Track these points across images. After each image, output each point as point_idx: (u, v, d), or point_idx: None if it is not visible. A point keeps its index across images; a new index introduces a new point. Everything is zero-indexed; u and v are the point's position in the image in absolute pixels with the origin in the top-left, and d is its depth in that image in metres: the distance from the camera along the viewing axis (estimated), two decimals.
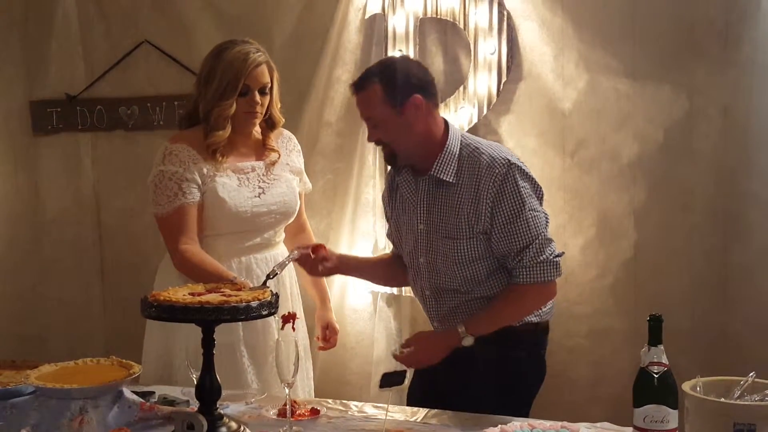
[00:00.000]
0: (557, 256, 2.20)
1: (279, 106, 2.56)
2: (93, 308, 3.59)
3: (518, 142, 3.00)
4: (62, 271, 3.59)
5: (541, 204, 2.25)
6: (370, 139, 2.30)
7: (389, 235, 2.54)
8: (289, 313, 2.09)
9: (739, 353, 2.74)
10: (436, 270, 2.25)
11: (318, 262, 2.34)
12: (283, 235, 2.63)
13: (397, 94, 2.15)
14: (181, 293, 1.90)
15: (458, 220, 2.20)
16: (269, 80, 2.46)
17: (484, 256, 2.21)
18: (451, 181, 2.19)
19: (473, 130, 2.97)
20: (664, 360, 1.73)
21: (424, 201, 2.26)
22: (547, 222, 2.25)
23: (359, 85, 2.22)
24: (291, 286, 2.62)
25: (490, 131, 3.00)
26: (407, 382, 1.96)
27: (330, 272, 2.44)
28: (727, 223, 2.79)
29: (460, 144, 2.24)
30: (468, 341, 2.15)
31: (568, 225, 2.97)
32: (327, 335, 2.75)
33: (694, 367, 2.63)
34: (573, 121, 2.93)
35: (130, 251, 3.50)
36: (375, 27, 3.08)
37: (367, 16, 3.09)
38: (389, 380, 1.90)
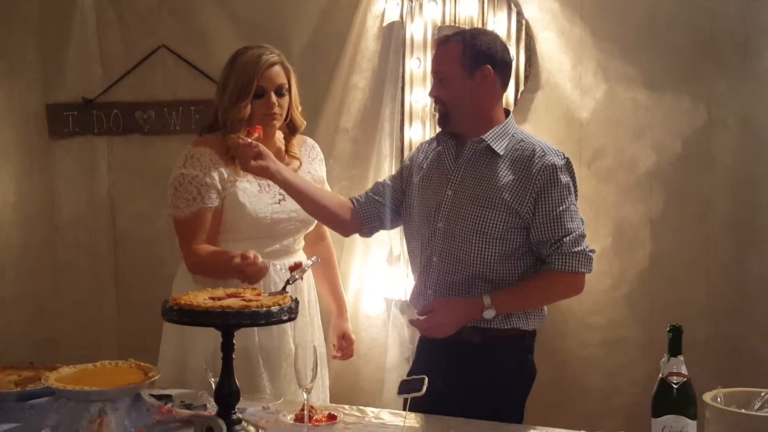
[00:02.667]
0: (591, 251, 2.24)
1: (300, 109, 2.55)
2: (107, 312, 3.59)
3: None
4: (76, 275, 3.60)
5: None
6: (431, 94, 2.34)
7: (375, 190, 2.47)
8: (295, 263, 2.14)
9: (756, 364, 2.73)
10: (452, 236, 2.25)
11: (250, 153, 2.23)
12: (302, 243, 2.61)
13: (472, 59, 2.22)
14: (201, 297, 1.91)
15: (494, 191, 2.22)
16: (285, 81, 2.45)
17: (502, 236, 2.22)
18: (500, 153, 2.23)
19: None
20: (684, 370, 1.72)
21: (461, 167, 2.27)
22: (583, 221, 2.29)
23: (444, 39, 2.31)
24: (309, 293, 2.61)
25: (539, 139, 2.99)
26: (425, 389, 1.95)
27: (262, 171, 2.27)
28: (744, 234, 2.78)
29: (516, 129, 2.31)
30: (489, 314, 2.18)
31: None
32: (343, 345, 2.74)
33: (710, 378, 2.62)
34: (590, 131, 2.93)
35: (145, 255, 3.51)
36: (393, 34, 3.09)
37: (385, 24, 3.10)
38: (407, 387, 1.89)
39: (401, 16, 3.08)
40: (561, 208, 2.20)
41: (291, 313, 1.88)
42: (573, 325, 2.98)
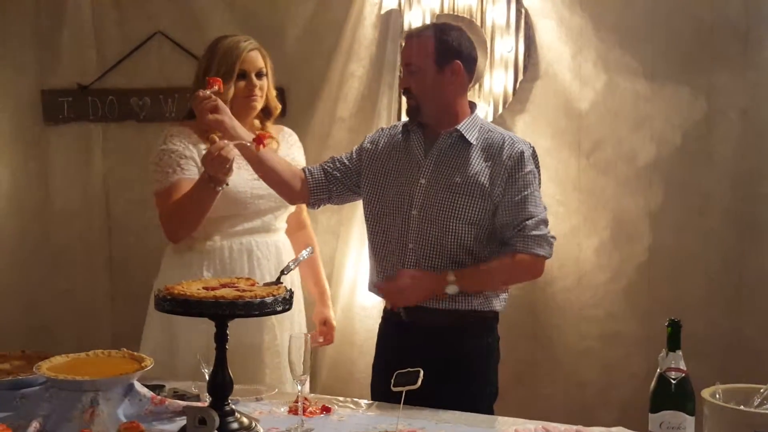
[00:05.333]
0: (552, 237, 2.31)
1: (275, 93, 2.60)
2: (100, 300, 3.57)
3: (533, 141, 2.90)
4: (70, 263, 3.58)
5: None
6: (401, 85, 2.41)
7: (329, 164, 2.47)
8: (259, 134, 2.17)
9: (755, 359, 2.72)
10: (428, 222, 2.29)
11: (207, 105, 2.25)
12: (284, 224, 2.64)
13: (443, 54, 2.28)
14: (195, 287, 1.89)
15: (468, 177, 2.28)
16: (263, 66, 2.52)
17: (476, 221, 2.28)
18: (472, 142, 2.30)
19: None
20: (682, 366, 1.71)
21: (433, 156, 2.32)
22: (545, 208, 2.35)
23: (415, 32, 2.38)
24: (292, 282, 2.61)
25: (506, 130, 2.97)
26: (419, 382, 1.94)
27: (217, 124, 2.27)
28: (743, 227, 2.77)
29: (482, 120, 2.40)
30: (452, 289, 2.24)
31: (582, 226, 2.95)
32: (324, 331, 2.78)
33: (708, 372, 2.60)
34: (590, 122, 2.91)
35: (139, 243, 3.48)
36: (391, 23, 3.06)
37: (383, 12, 3.08)
38: (402, 380, 1.87)
39: (399, 4, 3.06)
40: (525, 193, 2.26)
41: (285, 303, 1.86)
42: (571, 317, 2.97)
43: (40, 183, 3.60)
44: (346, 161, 2.47)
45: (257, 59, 2.49)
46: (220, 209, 2.42)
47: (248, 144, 2.24)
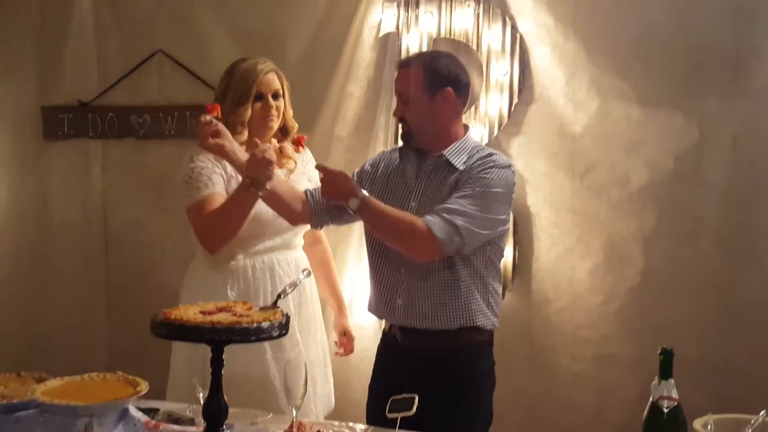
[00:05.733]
0: (465, 238, 2.21)
1: (291, 113, 2.65)
2: (97, 316, 3.58)
3: (528, 163, 3.00)
4: (68, 279, 3.59)
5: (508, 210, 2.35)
6: (395, 114, 2.43)
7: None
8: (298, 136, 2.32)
9: (746, 384, 2.74)
10: None
11: (208, 131, 2.29)
12: (302, 240, 2.69)
13: (434, 82, 2.31)
14: (191, 311, 1.90)
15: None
16: (280, 87, 2.57)
17: None
18: (459, 167, 2.31)
19: None
20: (674, 394, 1.72)
21: (423, 180, 2.35)
22: (496, 225, 2.29)
23: (406, 62, 2.40)
24: (311, 290, 2.69)
25: (501, 152, 2.99)
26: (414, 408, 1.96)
27: (218, 149, 2.32)
28: (735, 252, 2.79)
29: (475, 143, 2.41)
30: (354, 203, 2.23)
31: (576, 248, 2.97)
32: (344, 341, 2.84)
33: (700, 397, 2.63)
34: (583, 145, 2.94)
35: (137, 260, 3.51)
36: (389, 45, 3.10)
37: (381, 34, 3.11)
38: (398, 406, 1.89)
39: (397, 27, 3.09)
40: (473, 190, 2.24)
41: (282, 328, 1.86)
42: (564, 339, 2.99)
43: (39, 198, 3.62)
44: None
45: (273, 81, 2.55)
46: (244, 229, 2.46)
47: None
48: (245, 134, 2.54)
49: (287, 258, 2.60)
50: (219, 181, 2.49)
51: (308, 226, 2.64)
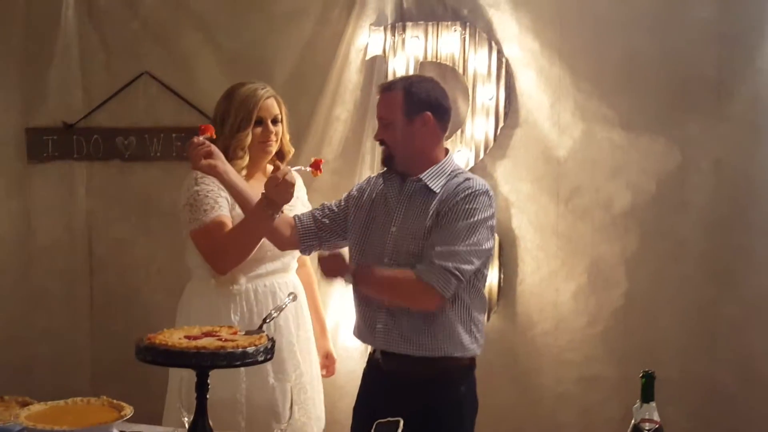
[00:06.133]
0: (460, 277, 2.22)
1: (288, 137, 2.68)
2: (81, 339, 3.55)
3: (513, 186, 3.03)
4: (51, 301, 3.56)
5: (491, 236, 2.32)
6: (376, 138, 2.43)
7: (319, 211, 2.52)
8: (315, 159, 2.33)
9: (728, 405, 2.76)
10: (398, 268, 2.31)
11: (201, 152, 2.31)
12: (296, 264, 2.71)
13: (413, 106, 2.32)
14: (176, 336, 1.90)
15: (428, 225, 2.29)
16: (279, 112, 2.60)
17: None
18: (436, 191, 2.32)
19: None
20: (656, 417, 1.73)
21: (403, 204, 2.36)
22: (485, 254, 2.31)
23: (387, 87, 2.42)
24: (306, 311, 2.71)
25: (486, 175, 3.03)
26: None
27: (210, 169, 2.34)
28: (718, 275, 2.83)
29: (454, 167, 2.40)
30: (348, 279, 2.29)
31: (560, 271, 2.99)
32: (326, 363, 2.85)
33: (682, 416, 2.66)
34: (567, 169, 2.97)
35: (121, 283, 3.49)
36: (375, 68, 3.12)
37: (367, 57, 3.13)
38: (383, 429, 1.89)
39: (384, 51, 3.11)
40: (456, 225, 2.24)
41: (267, 353, 1.87)
42: (548, 361, 3.00)
43: (23, 221, 3.59)
44: (335, 208, 2.51)
45: (273, 106, 2.57)
46: None
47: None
48: (246, 159, 2.54)
49: (286, 281, 2.62)
50: (224, 204, 2.49)
51: None
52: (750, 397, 2.77)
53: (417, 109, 2.32)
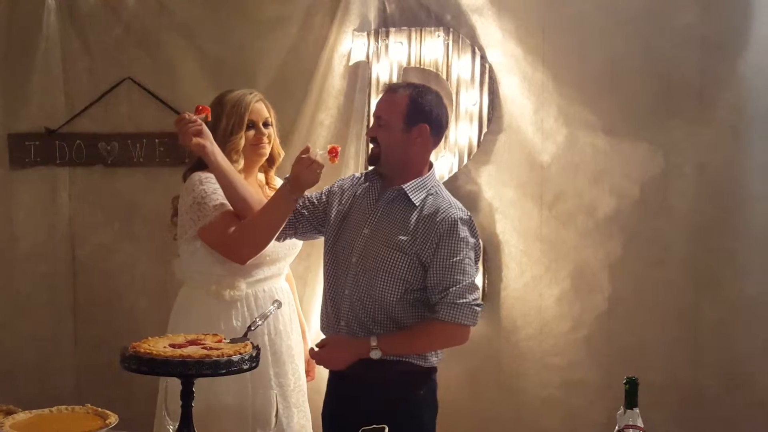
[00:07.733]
0: (478, 305, 2.32)
1: (278, 141, 2.70)
2: (65, 345, 3.52)
3: (497, 192, 3.04)
4: (35, 307, 3.53)
5: (476, 263, 2.39)
6: (368, 134, 2.47)
7: (304, 206, 2.52)
8: (332, 147, 2.34)
9: (711, 407, 2.79)
10: (363, 272, 2.35)
11: (192, 129, 2.33)
12: (288, 269, 2.72)
13: (414, 114, 2.35)
14: (161, 345, 1.89)
15: (401, 236, 2.32)
16: (269, 116, 2.63)
17: (404, 278, 2.31)
18: (415, 203, 2.35)
19: (453, 179, 3.02)
20: (640, 423, 1.75)
21: (380, 209, 2.38)
22: (474, 276, 2.35)
23: (394, 88, 2.44)
24: (293, 311, 2.71)
25: (470, 181, 3.04)
26: None
27: (199, 148, 2.36)
28: (701, 279, 2.85)
29: (435, 183, 2.43)
30: (376, 354, 2.28)
31: (544, 276, 3.01)
32: (308, 368, 2.83)
33: (666, 421, 2.68)
34: (551, 174, 2.98)
35: (104, 288, 3.47)
36: (359, 74, 3.13)
37: (351, 63, 3.14)
38: None
39: (367, 56, 3.12)
40: (454, 259, 2.29)
41: (252, 361, 1.87)
42: (532, 366, 3.01)
43: (5, 226, 3.55)
44: (315, 200, 2.53)
45: (263, 110, 2.60)
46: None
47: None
48: (241, 163, 2.56)
49: (281, 286, 2.64)
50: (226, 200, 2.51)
51: (296, 253, 2.68)
52: (734, 401, 2.79)
53: (417, 119, 2.35)
